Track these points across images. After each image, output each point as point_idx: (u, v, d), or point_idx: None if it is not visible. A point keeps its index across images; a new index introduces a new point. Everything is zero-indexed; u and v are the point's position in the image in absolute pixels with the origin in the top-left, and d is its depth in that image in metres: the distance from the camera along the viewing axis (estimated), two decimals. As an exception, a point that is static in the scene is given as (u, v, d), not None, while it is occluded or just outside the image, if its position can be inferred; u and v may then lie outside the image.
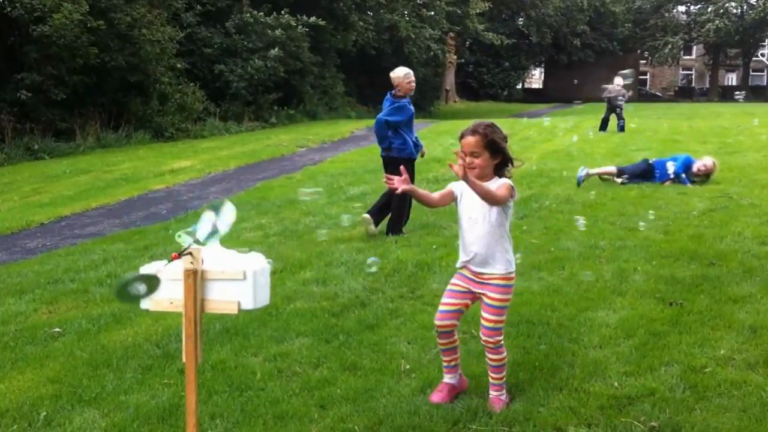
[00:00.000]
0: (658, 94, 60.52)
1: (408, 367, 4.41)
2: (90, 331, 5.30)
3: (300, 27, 27.74)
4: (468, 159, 3.71)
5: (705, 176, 10.67)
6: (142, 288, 2.66)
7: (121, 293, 2.68)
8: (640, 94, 58.87)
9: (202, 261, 2.74)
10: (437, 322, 3.96)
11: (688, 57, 69.11)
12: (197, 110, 24.13)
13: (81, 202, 11.45)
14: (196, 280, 2.69)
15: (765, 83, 58.22)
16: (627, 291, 5.59)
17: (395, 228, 8.03)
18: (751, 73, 65.64)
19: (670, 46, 61.07)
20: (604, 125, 20.20)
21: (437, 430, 3.61)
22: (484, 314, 3.85)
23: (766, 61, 41.40)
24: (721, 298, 5.37)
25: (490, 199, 3.66)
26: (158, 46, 21.82)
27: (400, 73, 7.90)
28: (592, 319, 5.01)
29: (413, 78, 8.00)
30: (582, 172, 10.66)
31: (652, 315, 4.92)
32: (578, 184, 10.50)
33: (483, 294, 3.85)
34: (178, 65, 23.82)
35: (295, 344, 4.86)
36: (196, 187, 12.95)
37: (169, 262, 2.76)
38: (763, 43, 58.77)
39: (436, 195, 3.91)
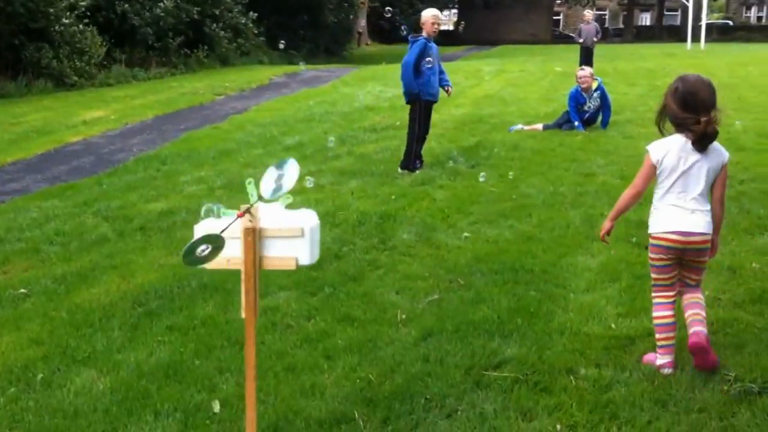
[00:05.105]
0: (571, 35, 61.48)
1: (404, 317, 4.42)
2: (57, 291, 5.07)
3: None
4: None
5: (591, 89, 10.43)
6: (207, 248, 2.58)
7: (188, 258, 2.59)
8: (554, 35, 59.20)
9: (260, 219, 2.69)
10: (665, 313, 3.64)
11: (602, -4, 69.09)
12: (99, 55, 22.74)
13: (-7, 157, 10.76)
14: (255, 238, 2.62)
15: (679, 23, 59.01)
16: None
17: (405, 163, 8.37)
18: (665, 12, 66.56)
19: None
20: None
21: (451, 376, 3.64)
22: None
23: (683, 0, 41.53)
24: (694, 241, 5.58)
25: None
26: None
27: (428, 14, 8.11)
28: (573, 264, 5.13)
29: (439, 21, 8.17)
30: (516, 126, 10.88)
31: (631, 259, 5.08)
32: (509, 131, 10.73)
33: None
34: (81, 4, 22.26)
35: (280, 297, 4.79)
36: (116, 138, 12.39)
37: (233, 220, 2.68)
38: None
39: (639, 187, 3.74)
